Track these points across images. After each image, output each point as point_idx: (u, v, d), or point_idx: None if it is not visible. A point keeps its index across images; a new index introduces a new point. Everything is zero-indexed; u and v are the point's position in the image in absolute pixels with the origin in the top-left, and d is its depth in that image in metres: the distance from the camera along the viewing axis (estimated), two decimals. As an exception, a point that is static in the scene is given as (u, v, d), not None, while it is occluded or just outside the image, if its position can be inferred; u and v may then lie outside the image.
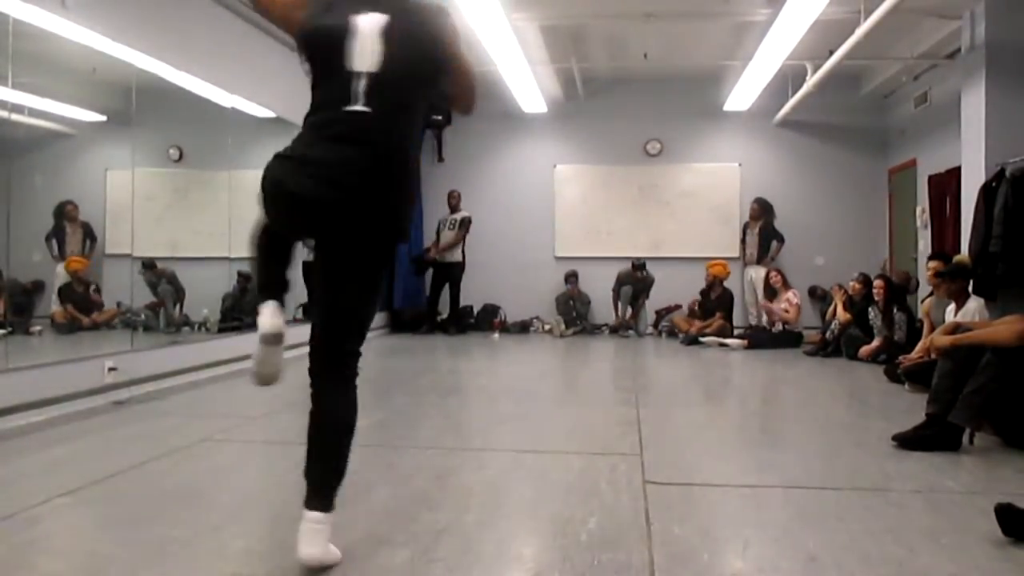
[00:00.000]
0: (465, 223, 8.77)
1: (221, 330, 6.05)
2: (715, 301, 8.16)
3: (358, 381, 1.93)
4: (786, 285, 7.93)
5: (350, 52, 1.77)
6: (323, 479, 1.86)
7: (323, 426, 1.89)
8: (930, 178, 7.40)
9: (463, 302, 9.01)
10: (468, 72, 2.00)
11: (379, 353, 7.13)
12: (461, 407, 4.46)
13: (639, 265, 8.61)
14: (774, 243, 8.59)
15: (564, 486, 2.70)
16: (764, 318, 8.14)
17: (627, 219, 9.28)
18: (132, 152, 5.00)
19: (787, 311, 7.70)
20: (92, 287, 5.25)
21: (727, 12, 6.59)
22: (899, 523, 2.27)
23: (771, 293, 8.00)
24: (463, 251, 8.82)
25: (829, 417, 4.20)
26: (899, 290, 6.48)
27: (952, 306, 4.79)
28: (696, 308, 8.34)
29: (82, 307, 5.17)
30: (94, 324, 5.18)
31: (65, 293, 5.13)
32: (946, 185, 6.95)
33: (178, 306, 5.89)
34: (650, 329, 8.82)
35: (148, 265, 5.55)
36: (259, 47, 5.98)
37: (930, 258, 5.54)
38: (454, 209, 8.95)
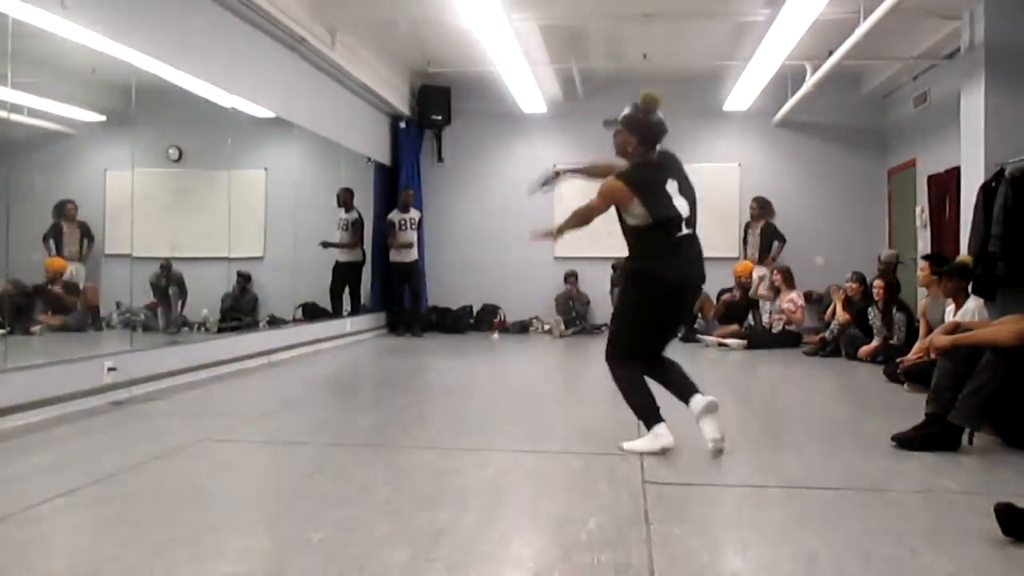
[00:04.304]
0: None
1: (220, 330, 6.05)
2: (739, 304, 8.12)
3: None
4: (787, 284, 7.90)
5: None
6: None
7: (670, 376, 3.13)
8: (930, 178, 7.39)
9: (458, 302, 9.07)
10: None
11: (379, 353, 7.14)
12: (461, 407, 4.46)
13: (616, 266, 8.57)
14: (775, 243, 8.57)
15: (564, 486, 2.70)
16: (766, 318, 8.13)
17: (627, 219, 9.24)
18: (132, 152, 5.00)
19: (794, 311, 7.69)
20: (66, 286, 5.16)
21: (727, 12, 6.59)
22: (899, 523, 2.27)
23: (774, 292, 7.97)
24: (418, 250, 8.68)
25: (829, 417, 4.21)
26: (896, 284, 6.45)
27: (951, 306, 4.79)
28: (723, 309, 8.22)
29: (56, 309, 5.09)
30: (62, 326, 5.07)
31: (40, 293, 5.03)
32: (946, 185, 6.95)
33: (179, 305, 5.91)
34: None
35: (164, 267, 5.65)
36: (259, 47, 5.97)
37: (922, 259, 5.54)
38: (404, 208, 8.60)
